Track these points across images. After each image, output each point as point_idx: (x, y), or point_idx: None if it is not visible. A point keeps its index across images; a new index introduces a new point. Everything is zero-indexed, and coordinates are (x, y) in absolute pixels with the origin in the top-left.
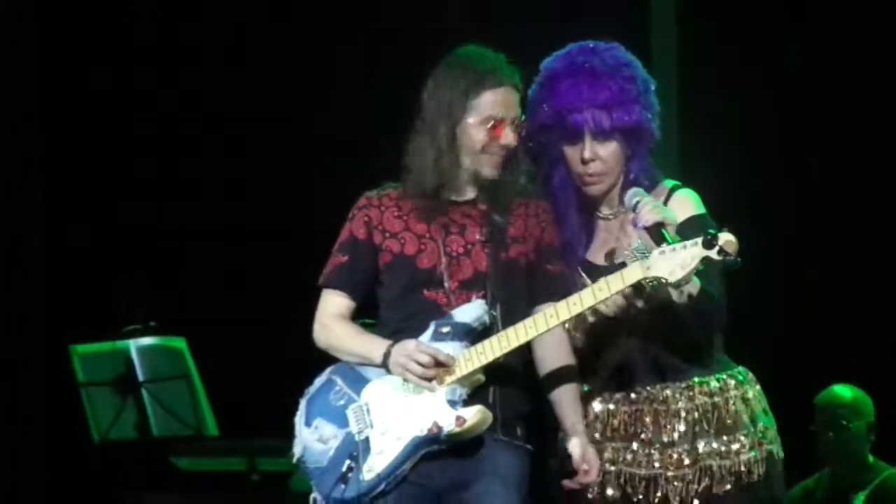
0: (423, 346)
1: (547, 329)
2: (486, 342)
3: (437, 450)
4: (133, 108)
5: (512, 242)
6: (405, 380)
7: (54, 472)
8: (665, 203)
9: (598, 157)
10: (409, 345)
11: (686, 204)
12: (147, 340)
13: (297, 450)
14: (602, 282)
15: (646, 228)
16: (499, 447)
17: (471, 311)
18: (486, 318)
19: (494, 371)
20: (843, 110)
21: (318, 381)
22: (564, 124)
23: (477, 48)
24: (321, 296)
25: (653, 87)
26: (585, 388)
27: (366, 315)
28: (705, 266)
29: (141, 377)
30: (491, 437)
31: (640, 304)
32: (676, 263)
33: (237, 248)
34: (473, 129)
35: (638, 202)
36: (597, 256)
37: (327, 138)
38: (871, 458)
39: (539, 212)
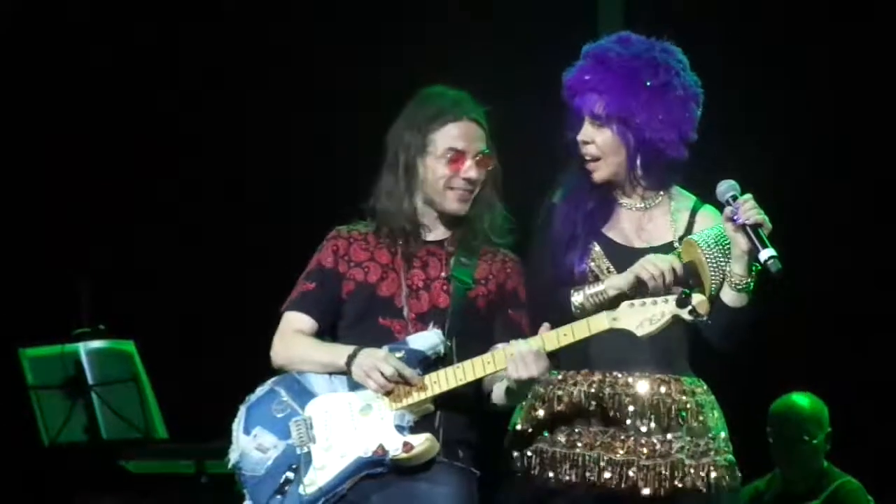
0: (392, 358)
1: (505, 367)
2: (442, 372)
3: (378, 472)
4: (80, 106)
5: (474, 284)
6: (363, 385)
7: (3, 476)
8: (691, 218)
9: (592, 141)
10: (378, 353)
11: (715, 222)
12: (96, 343)
13: (233, 456)
14: (567, 328)
15: (744, 226)
16: (440, 469)
17: (426, 340)
18: (441, 348)
19: (444, 396)
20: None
21: (261, 390)
22: (570, 105)
23: (439, 88)
24: (282, 318)
25: (683, 94)
26: (555, 373)
27: None
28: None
29: (90, 380)
30: (433, 459)
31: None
32: (645, 317)
33: (187, 251)
34: (434, 163)
35: (734, 196)
36: (617, 235)
37: (287, 141)
38: (825, 464)
39: (505, 259)
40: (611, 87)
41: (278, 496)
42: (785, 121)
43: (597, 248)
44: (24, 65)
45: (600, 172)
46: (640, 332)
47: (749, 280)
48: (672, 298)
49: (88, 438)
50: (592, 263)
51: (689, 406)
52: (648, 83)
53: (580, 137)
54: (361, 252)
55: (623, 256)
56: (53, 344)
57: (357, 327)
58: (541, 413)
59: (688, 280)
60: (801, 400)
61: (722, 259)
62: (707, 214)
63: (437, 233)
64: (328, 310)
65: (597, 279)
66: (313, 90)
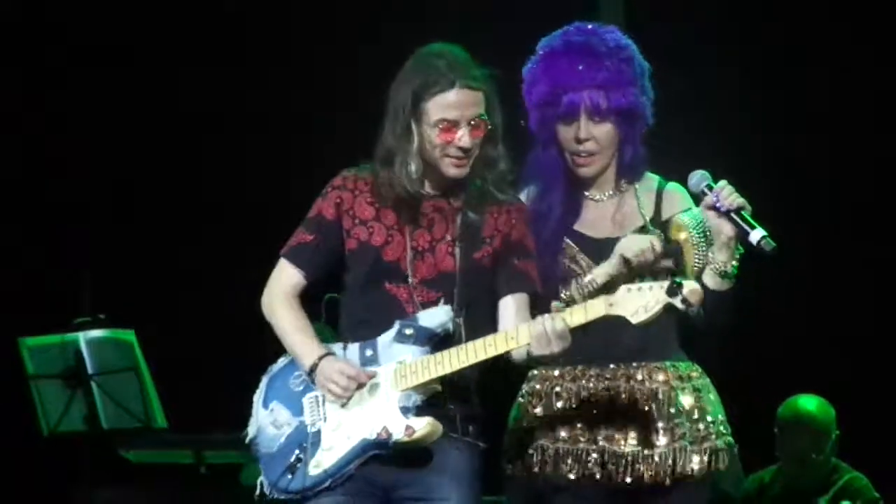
0: (347, 368)
1: (507, 350)
2: (446, 353)
3: (384, 454)
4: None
5: (481, 243)
6: (369, 362)
7: (2, 465)
8: (658, 195)
9: (592, 137)
10: (334, 365)
11: (681, 202)
12: (96, 333)
13: (251, 430)
14: (566, 312)
15: (728, 212)
16: (450, 444)
17: (436, 317)
18: (451, 326)
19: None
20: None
21: (282, 361)
22: (560, 103)
23: (439, 48)
24: (278, 264)
25: (648, 73)
26: (551, 369)
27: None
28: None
29: (90, 370)
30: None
31: (668, 263)
32: (640, 304)
33: (187, 240)
34: (428, 131)
35: (709, 186)
36: (589, 229)
37: (287, 128)
38: (833, 461)
39: (510, 210)
40: (612, 80)
41: (288, 475)
42: (783, 120)
43: (572, 245)
44: (28, 59)
45: (593, 167)
46: (634, 320)
47: (733, 265)
48: (665, 285)
49: (88, 428)
50: (570, 262)
51: (686, 392)
52: (633, 69)
53: (581, 135)
54: (367, 207)
55: (600, 248)
56: (53, 333)
57: (363, 292)
58: (539, 410)
59: (670, 258)
60: (810, 407)
61: (704, 243)
62: (672, 192)
63: (441, 187)
64: (322, 263)
65: (577, 276)
66: (313, 89)
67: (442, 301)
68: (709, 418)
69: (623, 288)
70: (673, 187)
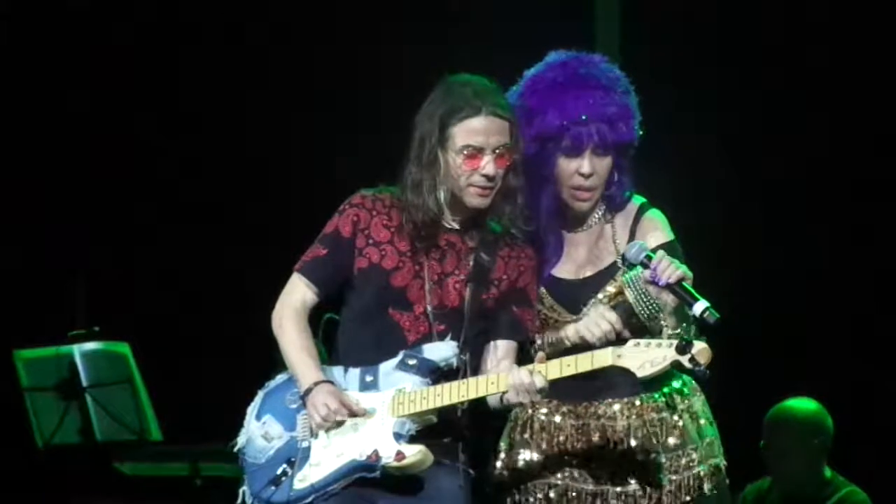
0: (331, 402)
1: (507, 389)
2: (447, 387)
3: (370, 477)
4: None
5: (490, 284)
6: (373, 387)
7: None
8: (634, 224)
9: (594, 172)
10: (321, 396)
11: (657, 228)
12: (91, 345)
13: (241, 439)
14: (571, 358)
15: (668, 285)
16: (442, 470)
17: (440, 351)
18: (454, 361)
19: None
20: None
21: (280, 378)
22: (565, 136)
23: (466, 77)
24: (292, 277)
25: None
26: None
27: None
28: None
29: (85, 382)
30: (435, 461)
31: (626, 333)
32: (647, 359)
33: (182, 253)
34: (453, 158)
35: (648, 256)
36: (561, 271)
37: (286, 141)
38: (828, 473)
39: (521, 256)
40: (619, 114)
41: (272, 487)
42: (781, 132)
43: (542, 290)
44: (25, 62)
45: (589, 202)
46: (640, 374)
47: (684, 327)
48: (674, 343)
49: (83, 440)
50: (540, 306)
51: (665, 423)
52: (632, 102)
53: (586, 169)
54: (382, 230)
55: (568, 291)
56: (48, 346)
57: (367, 315)
58: (517, 435)
59: (626, 325)
60: (798, 405)
61: (649, 305)
62: (648, 221)
63: (461, 221)
64: (334, 278)
65: (546, 320)
66: (313, 89)
67: (449, 336)
68: (690, 445)
69: (631, 342)
70: (650, 216)
